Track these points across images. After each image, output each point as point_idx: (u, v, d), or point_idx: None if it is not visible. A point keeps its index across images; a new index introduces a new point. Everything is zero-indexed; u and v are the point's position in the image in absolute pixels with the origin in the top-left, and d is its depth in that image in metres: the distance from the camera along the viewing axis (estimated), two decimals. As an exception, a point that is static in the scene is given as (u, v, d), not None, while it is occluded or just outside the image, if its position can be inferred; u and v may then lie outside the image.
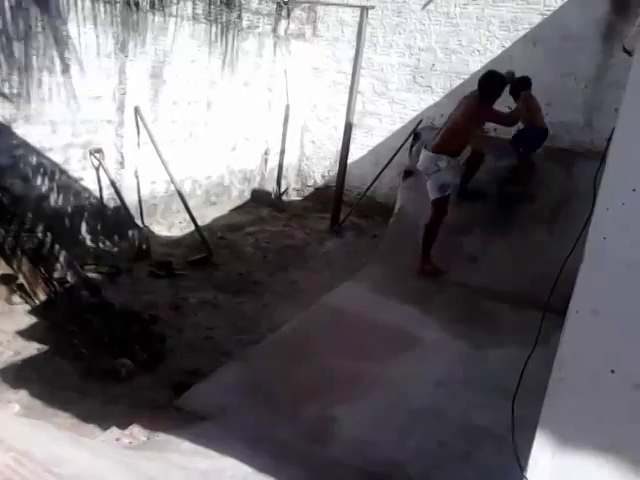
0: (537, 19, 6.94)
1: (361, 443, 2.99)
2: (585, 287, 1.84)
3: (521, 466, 1.88)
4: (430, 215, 5.28)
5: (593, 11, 6.57)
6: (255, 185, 8.02)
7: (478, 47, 7.30)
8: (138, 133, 5.95)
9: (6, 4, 4.61)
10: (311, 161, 8.57)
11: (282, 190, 8.26)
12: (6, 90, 4.74)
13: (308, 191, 8.57)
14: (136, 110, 5.87)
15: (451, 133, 5.22)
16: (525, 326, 3.53)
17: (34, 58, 4.88)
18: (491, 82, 5.24)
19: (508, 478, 2.00)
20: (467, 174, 5.77)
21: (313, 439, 2.99)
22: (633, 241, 1.74)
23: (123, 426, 2.91)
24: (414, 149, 6.39)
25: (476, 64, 7.30)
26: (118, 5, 5.48)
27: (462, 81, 7.34)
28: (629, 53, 2.19)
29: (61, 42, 5.05)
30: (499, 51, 7.20)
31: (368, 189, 7.35)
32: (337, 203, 7.13)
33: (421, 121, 7.28)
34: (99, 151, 5.57)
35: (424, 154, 5.36)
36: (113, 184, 5.67)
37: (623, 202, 1.74)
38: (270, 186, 8.18)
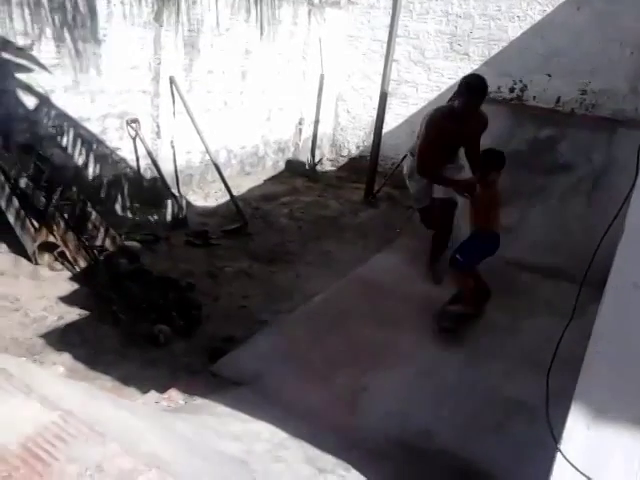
0: (582, -18, 6.68)
1: (392, 413, 3.02)
2: (625, 260, 1.81)
3: (555, 438, 1.88)
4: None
5: (642, -28, 6.29)
6: (289, 155, 8.01)
7: (518, 13, 7.07)
8: (173, 103, 5.98)
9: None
10: (345, 131, 8.51)
11: (316, 160, 8.23)
12: (45, 61, 4.81)
13: (342, 161, 8.53)
14: (171, 80, 5.89)
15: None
16: (559, 298, 3.49)
17: (71, 29, 4.93)
18: (467, 83, 4.25)
19: (541, 450, 2.00)
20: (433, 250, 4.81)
21: (345, 407, 3.04)
22: (677, 213, 1.69)
23: (161, 389, 3.00)
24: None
25: (516, 30, 7.09)
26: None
27: (501, 48, 7.15)
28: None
29: (98, 12, 5.08)
30: (539, 17, 6.97)
31: (403, 159, 7.26)
32: (371, 173, 7.08)
33: (458, 90, 7.13)
34: (135, 121, 5.62)
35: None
36: (149, 154, 5.74)
37: (668, 173, 1.70)
38: (304, 156, 8.17)
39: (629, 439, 1.77)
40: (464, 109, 4.23)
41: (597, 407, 1.80)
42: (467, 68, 7.38)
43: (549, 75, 6.90)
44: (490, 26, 7.26)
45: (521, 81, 7.01)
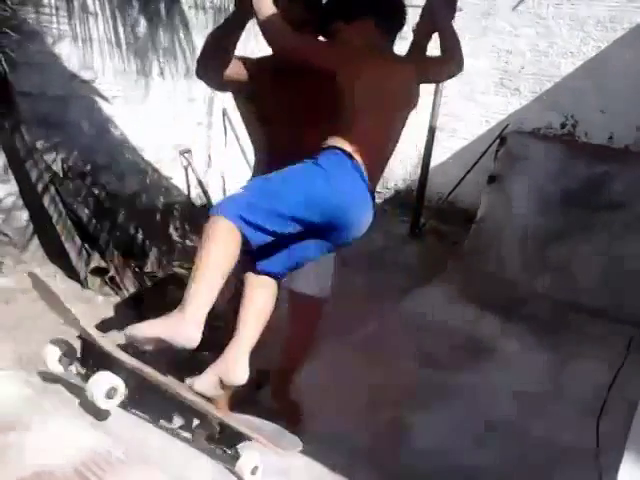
0: (639, 18, 6.59)
1: (437, 452, 2.95)
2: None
3: (606, 487, 1.80)
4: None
5: None
6: (336, 187, 8.06)
7: (571, 49, 7.01)
8: (225, 135, 6.15)
9: (107, 12, 4.93)
10: (392, 163, 8.49)
11: (362, 193, 8.25)
12: (106, 93, 5.04)
13: (388, 194, 8.53)
14: (224, 112, 6.07)
15: None
16: (612, 341, 3.38)
17: (131, 63, 5.16)
18: None
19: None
20: None
21: (387, 443, 2.99)
22: None
23: (203, 417, 3.01)
24: (500, 154, 6.24)
25: (568, 67, 7.02)
26: (211, 11, 5.69)
27: (552, 84, 7.09)
28: None
29: (158, 47, 5.31)
30: (594, 53, 6.89)
31: (450, 193, 7.23)
32: (418, 207, 7.06)
33: (507, 125, 7.08)
34: (188, 151, 5.80)
35: None
36: (200, 184, 5.89)
37: None
38: (351, 188, 8.21)
39: (686, 492, 1.69)
40: None
41: (652, 457, 1.73)
42: (517, 103, 7.33)
43: (602, 111, 6.78)
44: (542, 62, 7.21)
45: (572, 117, 6.91)
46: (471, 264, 5.41)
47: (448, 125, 7.77)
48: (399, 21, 2.45)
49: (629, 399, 1.83)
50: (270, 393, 2.97)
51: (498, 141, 6.56)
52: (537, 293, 4.95)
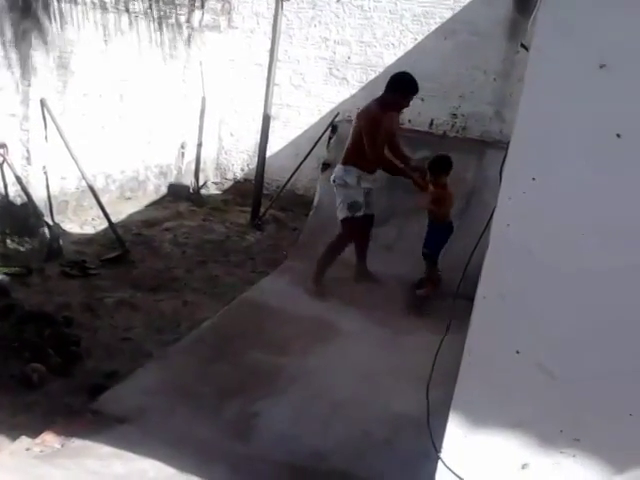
0: (448, 14, 7.14)
1: (284, 437, 3.00)
2: (491, 273, 1.92)
3: (436, 447, 1.95)
4: (336, 235, 4.94)
5: (498, 9, 6.85)
6: (172, 179, 7.83)
7: (392, 40, 7.43)
8: (45, 127, 5.67)
9: None
10: (230, 154, 8.46)
11: (200, 184, 8.11)
12: None
13: (227, 184, 8.47)
14: (42, 103, 5.59)
15: (356, 146, 4.80)
16: (443, 312, 3.64)
17: None
18: (401, 78, 4.92)
19: (425, 460, 2.07)
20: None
21: (236, 435, 2.98)
22: (533, 229, 1.83)
23: (35, 435, 2.77)
24: (332, 142, 6.45)
25: (390, 57, 7.43)
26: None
27: (377, 74, 7.46)
28: (526, 49, 2.30)
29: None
30: (412, 45, 7.36)
31: (288, 182, 7.34)
32: (257, 196, 7.08)
33: (338, 114, 7.34)
34: (2, 146, 5.27)
35: (337, 166, 4.98)
36: (19, 180, 5.38)
37: (524, 191, 1.83)
38: (188, 180, 8.02)
39: (501, 442, 1.88)
40: (396, 104, 4.88)
41: (472, 415, 1.90)
42: (346, 93, 7.63)
43: (422, 99, 7.26)
44: (367, 52, 7.56)
45: (397, 105, 7.33)
46: (310, 250, 5.53)
47: (282, 114, 7.87)
48: None
49: (454, 367, 1.99)
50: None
51: (330, 129, 6.78)
52: (372, 272, 5.19)
